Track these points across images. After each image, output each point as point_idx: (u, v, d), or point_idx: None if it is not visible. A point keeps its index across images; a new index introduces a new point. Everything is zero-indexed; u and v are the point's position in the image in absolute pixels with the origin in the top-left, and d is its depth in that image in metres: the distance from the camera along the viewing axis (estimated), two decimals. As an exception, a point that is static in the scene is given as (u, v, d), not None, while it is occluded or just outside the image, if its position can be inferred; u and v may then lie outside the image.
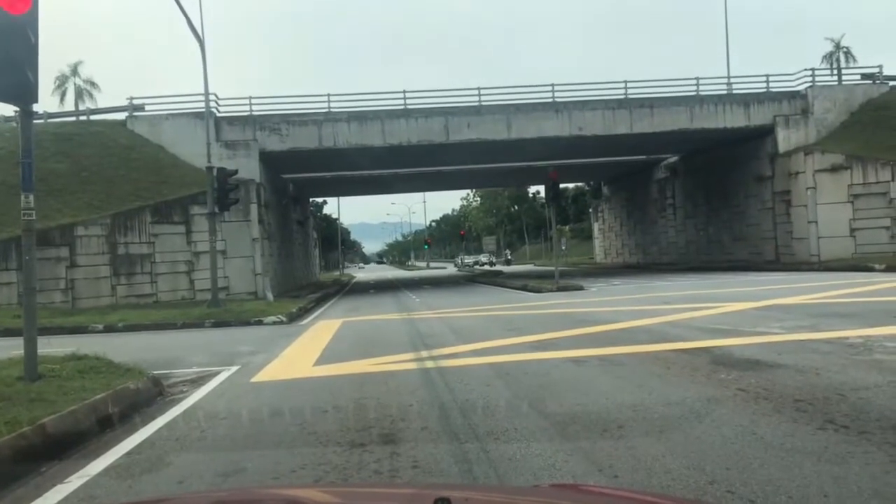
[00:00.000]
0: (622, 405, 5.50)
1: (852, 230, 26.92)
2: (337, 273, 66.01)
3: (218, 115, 26.79)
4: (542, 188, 39.63)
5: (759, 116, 28.97)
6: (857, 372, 6.37)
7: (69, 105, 47.67)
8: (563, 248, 49.27)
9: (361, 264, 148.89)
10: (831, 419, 4.75)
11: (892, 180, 26.59)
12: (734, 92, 30.00)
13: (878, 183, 26.78)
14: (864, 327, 9.29)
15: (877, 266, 22.82)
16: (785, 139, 28.61)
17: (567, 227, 77.10)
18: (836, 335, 8.73)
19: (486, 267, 61.02)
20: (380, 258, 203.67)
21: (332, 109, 27.89)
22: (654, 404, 5.49)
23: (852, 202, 26.98)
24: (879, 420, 4.68)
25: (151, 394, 6.93)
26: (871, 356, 7.19)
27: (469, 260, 75.64)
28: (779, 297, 14.56)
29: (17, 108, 7.19)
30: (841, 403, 5.20)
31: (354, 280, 50.91)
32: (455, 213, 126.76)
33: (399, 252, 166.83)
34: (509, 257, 78.48)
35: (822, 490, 3.44)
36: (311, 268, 46.30)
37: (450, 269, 68.86)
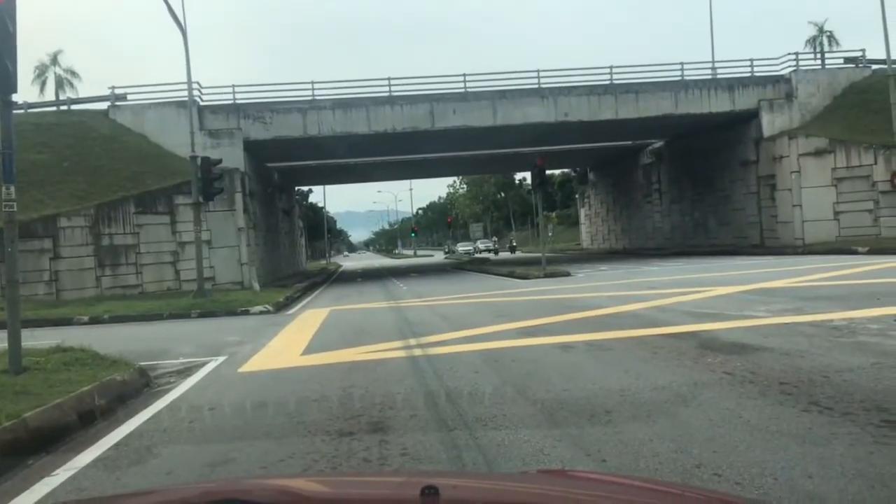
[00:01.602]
0: (610, 390, 5.53)
1: (836, 213, 27.13)
2: (324, 262, 65.82)
3: (201, 103, 26.54)
4: (528, 174, 39.61)
5: (743, 101, 29.06)
6: (841, 354, 6.43)
7: (49, 95, 46.98)
8: (550, 234, 49.08)
9: (346, 252, 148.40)
10: (816, 401, 4.80)
11: (875, 164, 26.78)
12: (719, 77, 30.08)
13: (861, 166, 26.97)
14: (848, 310, 9.39)
15: (860, 249, 23.06)
16: (769, 123, 28.74)
17: (554, 214, 76.51)
18: (821, 318, 8.81)
19: (491, 255, 50.55)
20: (366, 247, 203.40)
21: (316, 97, 27.70)
22: (642, 389, 5.52)
23: (836, 186, 27.17)
24: (863, 401, 4.74)
25: (138, 385, 6.90)
26: (855, 338, 7.27)
27: (466, 247, 62.26)
28: (764, 281, 14.67)
29: (-4, 99, 7.08)
30: (825, 385, 5.26)
31: (341, 269, 50.81)
32: (441, 201, 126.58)
33: (386, 240, 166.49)
34: (513, 243, 63.96)
35: (807, 471, 3.48)
36: (298, 257, 46.14)
37: (437, 258, 68.07)
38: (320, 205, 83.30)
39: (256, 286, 23.15)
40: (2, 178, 6.94)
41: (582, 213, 54.59)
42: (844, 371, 5.70)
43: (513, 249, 60.55)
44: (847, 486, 3.27)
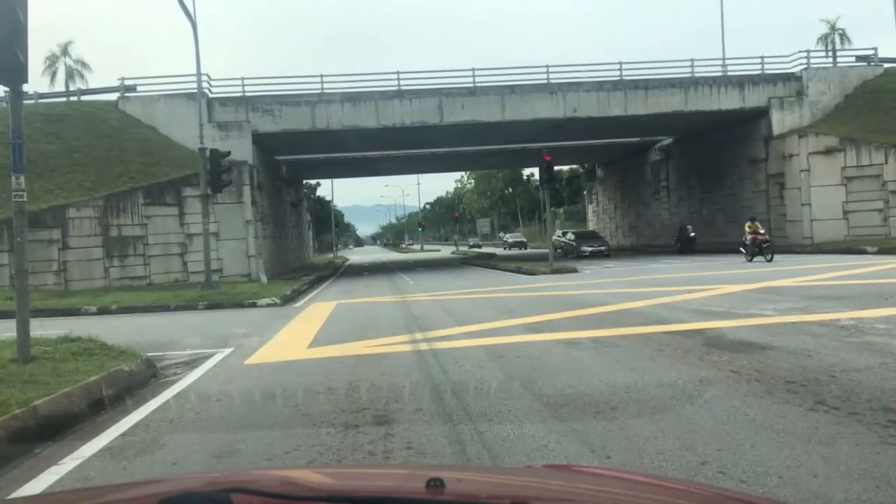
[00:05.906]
0: (615, 387, 5.52)
1: (845, 213, 27.00)
2: (331, 255, 65.82)
3: (210, 95, 26.56)
4: (536, 170, 39.47)
5: (753, 98, 28.91)
6: (848, 354, 6.41)
7: (60, 86, 47.17)
8: (558, 230, 48.91)
9: (352, 246, 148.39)
10: (822, 400, 4.79)
11: (886, 163, 26.63)
12: (729, 74, 29.92)
13: (871, 165, 26.81)
14: (856, 309, 9.35)
15: (869, 248, 22.94)
16: (779, 121, 28.59)
17: (561, 210, 76.32)
18: (829, 317, 8.78)
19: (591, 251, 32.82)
20: (373, 240, 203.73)
21: (325, 90, 27.69)
22: (647, 386, 5.52)
23: (846, 185, 27.03)
24: (870, 401, 4.72)
25: (145, 376, 6.93)
26: (863, 338, 7.24)
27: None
28: (772, 280, 14.62)
29: (7, 88, 7.11)
30: (832, 385, 5.24)
31: (348, 262, 50.84)
32: (449, 196, 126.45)
33: (393, 234, 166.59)
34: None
35: (813, 470, 3.47)
36: (305, 250, 46.20)
37: (444, 252, 67.68)
38: (328, 198, 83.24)
39: (264, 279, 23.21)
40: (11, 168, 6.97)
41: (590, 209, 54.43)
42: (851, 371, 5.68)
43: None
44: (852, 486, 3.26)
